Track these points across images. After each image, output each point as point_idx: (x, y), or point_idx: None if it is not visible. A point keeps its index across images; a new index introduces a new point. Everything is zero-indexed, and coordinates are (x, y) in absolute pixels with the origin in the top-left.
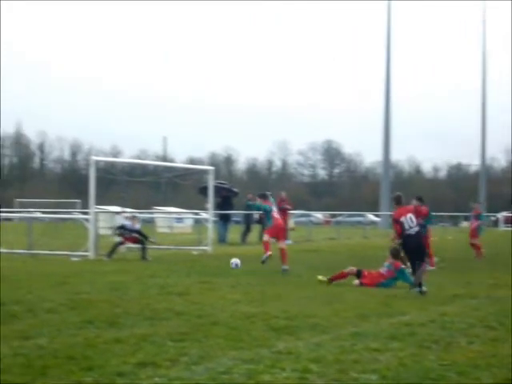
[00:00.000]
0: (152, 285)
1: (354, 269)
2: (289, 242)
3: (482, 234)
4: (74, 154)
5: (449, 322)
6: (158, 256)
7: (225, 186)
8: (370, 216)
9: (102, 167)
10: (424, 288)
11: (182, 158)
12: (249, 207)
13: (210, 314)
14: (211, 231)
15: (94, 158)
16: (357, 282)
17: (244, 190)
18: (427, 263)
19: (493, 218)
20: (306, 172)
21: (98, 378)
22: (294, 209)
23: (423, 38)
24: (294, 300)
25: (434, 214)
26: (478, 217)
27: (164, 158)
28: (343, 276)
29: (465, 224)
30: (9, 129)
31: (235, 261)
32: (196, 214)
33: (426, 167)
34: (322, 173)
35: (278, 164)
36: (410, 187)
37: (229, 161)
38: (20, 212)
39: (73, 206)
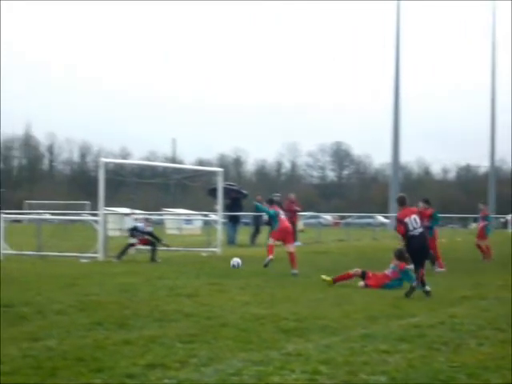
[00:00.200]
0: (161, 286)
1: (358, 270)
2: (298, 243)
3: (490, 235)
4: (83, 155)
5: (458, 324)
6: (167, 258)
7: (234, 187)
8: (380, 218)
9: (112, 169)
10: (427, 287)
11: (191, 160)
12: (257, 208)
13: (219, 316)
14: (220, 233)
15: (104, 159)
16: (362, 283)
17: (253, 192)
18: (436, 265)
19: (502, 220)
20: (315, 174)
21: (107, 380)
22: (304, 210)
23: (432, 36)
24: (303, 302)
25: (443, 215)
26: (485, 218)
27: (173, 160)
28: (348, 277)
29: (474, 226)
30: (18, 130)
31: (236, 260)
32: (205, 215)
33: (435, 169)
34: (331, 174)
35: (287, 165)
36: (419, 189)
37: (238, 162)
38: (29, 214)
39: (82, 207)
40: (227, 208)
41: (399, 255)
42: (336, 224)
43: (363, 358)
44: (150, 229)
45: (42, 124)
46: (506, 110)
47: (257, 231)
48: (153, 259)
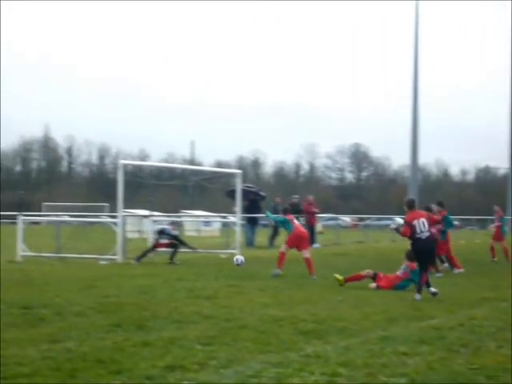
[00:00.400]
0: (180, 288)
1: (370, 271)
2: (317, 245)
3: (507, 237)
4: (101, 157)
5: (478, 326)
6: (185, 259)
7: (252, 189)
8: (398, 219)
9: (130, 171)
10: (432, 289)
11: (209, 162)
12: (266, 215)
13: (238, 318)
14: (239, 235)
15: (122, 161)
16: (373, 285)
17: (271, 194)
18: (450, 267)
19: None
20: (333, 175)
21: (126, 382)
22: (322, 212)
23: (450, 35)
24: (322, 303)
25: (462, 217)
26: (500, 219)
27: (191, 162)
28: (360, 278)
29: (492, 226)
30: (37, 133)
31: (239, 258)
32: (224, 217)
33: (454, 170)
34: (349, 176)
35: (305, 167)
36: (437, 190)
37: (256, 164)
38: (48, 215)
39: (101, 209)
40: (246, 210)
41: (410, 256)
42: (355, 226)
43: (382, 360)
44: (176, 232)
45: (60, 126)
46: None
47: (275, 233)
48: (171, 261)
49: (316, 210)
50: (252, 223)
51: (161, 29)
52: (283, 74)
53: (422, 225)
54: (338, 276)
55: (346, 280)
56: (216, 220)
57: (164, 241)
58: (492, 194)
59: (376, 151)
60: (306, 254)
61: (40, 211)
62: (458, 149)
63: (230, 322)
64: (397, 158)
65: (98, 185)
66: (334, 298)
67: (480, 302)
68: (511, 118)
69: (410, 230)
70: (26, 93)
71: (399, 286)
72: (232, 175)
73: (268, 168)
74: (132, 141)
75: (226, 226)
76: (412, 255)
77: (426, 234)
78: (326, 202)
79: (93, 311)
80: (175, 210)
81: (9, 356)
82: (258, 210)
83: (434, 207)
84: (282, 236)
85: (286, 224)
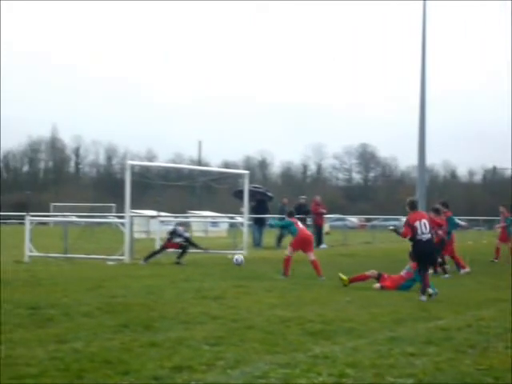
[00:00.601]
0: (187, 289)
1: (374, 272)
2: (324, 246)
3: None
4: (109, 158)
5: (485, 327)
6: (193, 260)
7: (260, 189)
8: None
9: (138, 171)
10: (430, 290)
11: (216, 162)
12: (271, 226)
13: (245, 318)
14: (246, 235)
15: (130, 162)
16: (377, 285)
17: (279, 194)
18: (457, 269)
19: None
20: (341, 176)
21: (134, 382)
22: (329, 213)
23: (457, 34)
24: (329, 304)
25: (469, 218)
26: (506, 220)
27: (199, 162)
28: (364, 278)
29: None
30: (44, 133)
31: (239, 257)
32: (231, 218)
33: (462, 171)
34: (357, 177)
35: (312, 168)
36: (445, 191)
37: (263, 164)
38: (55, 216)
39: (108, 210)
40: (253, 210)
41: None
42: (362, 226)
43: (390, 361)
44: (187, 234)
45: (68, 126)
46: None
47: (283, 234)
48: (178, 262)
49: (323, 211)
50: (259, 224)
51: (166, 29)
52: (291, 73)
53: (423, 226)
54: (342, 276)
55: (351, 280)
56: (223, 220)
57: (176, 240)
58: (499, 194)
59: (383, 152)
60: (312, 256)
61: (48, 212)
62: (465, 150)
63: (237, 322)
64: (404, 159)
65: (105, 185)
66: (342, 299)
67: (487, 302)
68: None
69: (410, 232)
70: (32, 94)
71: (403, 286)
72: (239, 176)
73: (275, 168)
74: (139, 141)
75: (233, 226)
76: (413, 256)
77: (427, 236)
78: (333, 203)
79: (100, 312)
80: (183, 210)
81: (16, 356)
82: (266, 211)
83: (438, 206)
84: (289, 237)
85: (290, 227)
